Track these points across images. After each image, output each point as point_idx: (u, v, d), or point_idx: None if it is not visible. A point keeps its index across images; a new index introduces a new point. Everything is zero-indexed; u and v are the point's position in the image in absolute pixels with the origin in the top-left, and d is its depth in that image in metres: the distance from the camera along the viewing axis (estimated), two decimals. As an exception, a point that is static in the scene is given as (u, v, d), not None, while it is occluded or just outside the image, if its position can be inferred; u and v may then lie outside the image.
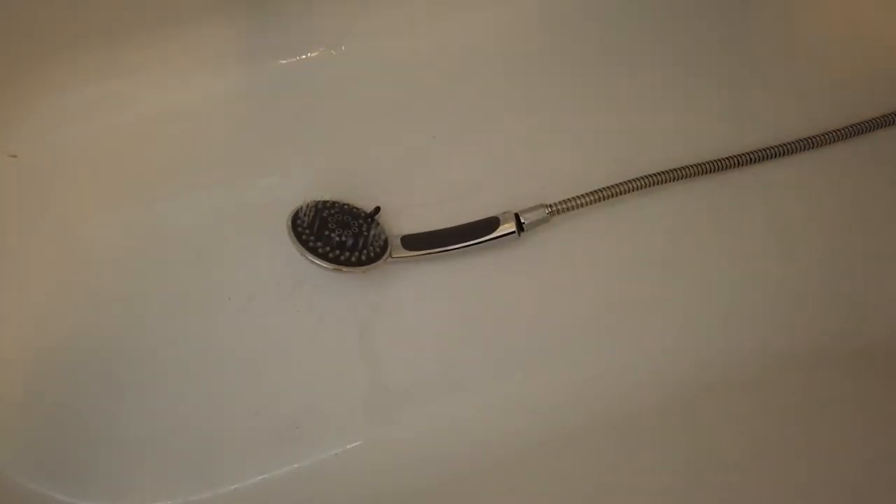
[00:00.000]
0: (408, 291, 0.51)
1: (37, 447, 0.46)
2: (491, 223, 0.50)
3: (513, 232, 0.50)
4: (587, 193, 0.51)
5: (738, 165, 0.54)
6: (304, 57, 0.53)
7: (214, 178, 0.51)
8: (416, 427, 0.49)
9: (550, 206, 0.51)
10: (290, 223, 0.48)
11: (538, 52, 0.57)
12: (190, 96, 0.51)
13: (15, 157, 0.48)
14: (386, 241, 0.49)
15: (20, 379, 0.46)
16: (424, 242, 0.50)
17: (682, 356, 0.52)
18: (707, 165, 0.53)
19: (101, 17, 0.47)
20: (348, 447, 0.48)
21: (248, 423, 0.48)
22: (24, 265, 0.48)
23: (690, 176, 0.53)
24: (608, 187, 0.51)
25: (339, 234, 0.48)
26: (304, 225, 0.48)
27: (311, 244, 0.47)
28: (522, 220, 0.50)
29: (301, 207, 0.48)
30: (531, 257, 0.52)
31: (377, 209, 0.50)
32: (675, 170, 0.53)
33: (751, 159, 0.54)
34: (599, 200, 0.51)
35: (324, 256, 0.47)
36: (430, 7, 0.55)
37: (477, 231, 0.50)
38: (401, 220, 0.51)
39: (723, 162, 0.54)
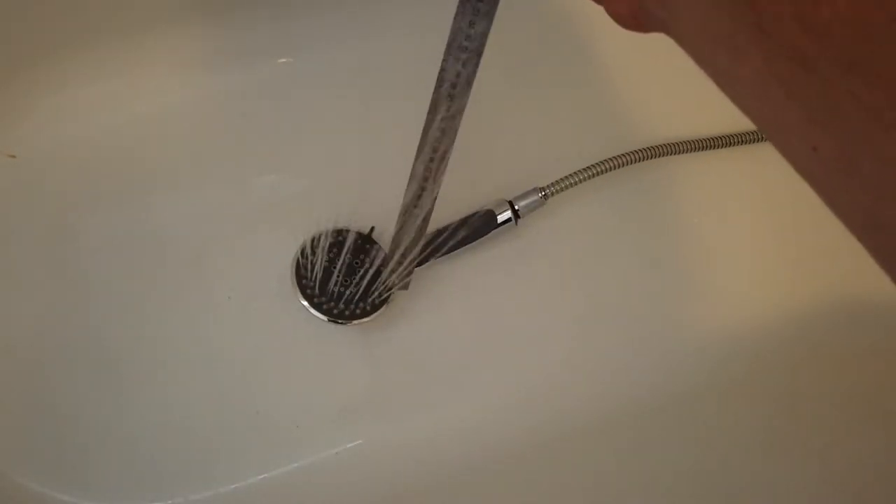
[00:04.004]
0: (408, 293, 0.50)
1: (37, 447, 0.46)
2: (486, 216, 0.50)
3: (509, 220, 0.49)
4: (579, 171, 0.50)
5: (728, 145, 0.55)
6: (302, 56, 0.53)
7: (214, 177, 0.51)
8: (417, 427, 0.49)
9: (543, 188, 0.50)
10: (294, 282, 0.47)
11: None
12: (188, 95, 0.51)
13: (14, 157, 0.48)
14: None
15: (20, 378, 0.46)
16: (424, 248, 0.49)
17: (687, 342, 0.52)
18: (701, 143, 0.54)
19: (99, 16, 0.47)
20: (348, 446, 0.48)
21: (248, 422, 0.47)
22: (23, 265, 0.48)
23: (686, 151, 0.54)
24: (600, 163, 0.51)
25: (346, 286, 0.47)
26: (311, 284, 0.47)
27: (324, 307, 0.47)
28: (517, 208, 0.50)
29: (298, 258, 0.48)
30: (531, 245, 0.52)
31: (372, 229, 0.49)
32: (668, 144, 0.53)
33: (742, 140, 0.55)
34: (592, 177, 0.51)
35: (340, 315, 0.47)
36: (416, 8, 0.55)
37: (473, 227, 0.50)
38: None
39: (715, 140, 0.54)
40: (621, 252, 0.53)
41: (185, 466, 0.46)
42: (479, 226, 0.50)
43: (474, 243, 0.50)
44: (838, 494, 0.46)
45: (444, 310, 0.51)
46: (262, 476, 0.47)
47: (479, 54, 0.34)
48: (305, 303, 0.47)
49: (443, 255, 0.49)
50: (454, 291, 0.51)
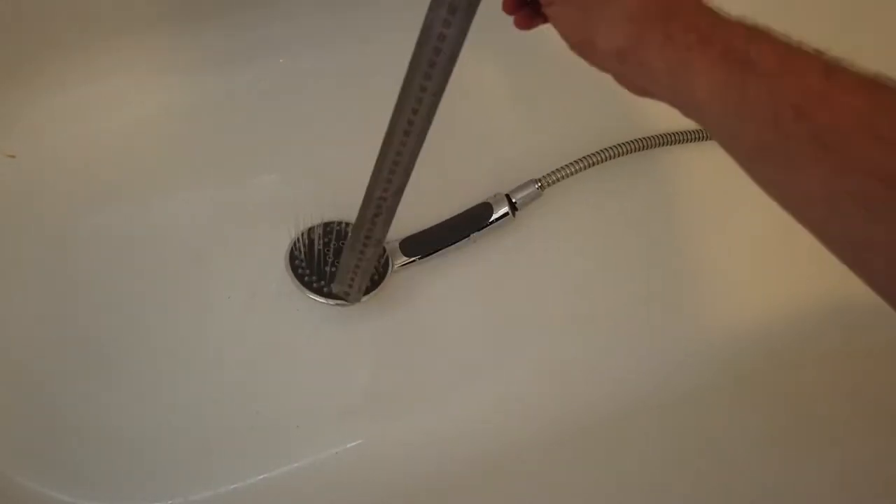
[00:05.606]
0: (408, 290, 0.50)
1: (36, 447, 0.46)
2: (484, 210, 0.50)
3: (507, 214, 0.49)
4: (574, 161, 0.50)
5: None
6: (300, 56, 0.53)
7: (213, 177, 0.51)
8: (416, 426, 0.49)
9: (539, 180, 0.50)
10: (287, 265, 0.47)
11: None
12: (188, 95, 0.51)
13: (13, 157, 0.48)
14: (387, 259, 0.49)
15: (20, 379, 0.46)
16: (422, 243, 0.49)
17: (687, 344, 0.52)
18: (696, 133, 0.53)
19: (98, 17, 0.47)
20: (348, 446, 0.48)
21: (248, 422, 0.47)
22: (23, 265, 0.48)
23: (683, 141, 0.53)
24: (595, 153, 0.51)
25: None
26: (303, 264, 0.47)
27: (314, 285, 0.47)
28: (514, 200, 0.50)
29: (294, 243, 0.48)
30: (530, 237, 0.52)
31: None
32: (664, 134, 0.53)
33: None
34: (587, 167, 0.50)
35: (329, 295, 0.47)
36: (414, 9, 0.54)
37: (471, 221, 0.50)
38: (395, 223, 0.51)
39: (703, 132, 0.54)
40: (617, 245, 0.53)
41: (185, 466, 0.46)
42: (477, 219, 0.49)
43: (474, 237, 0.49)
44: (839, 493, 0.46)
45: (444, 305, 0.50)
46: (262, 476, 0.47)
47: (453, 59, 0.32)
48: (301, 286, 0.47)
49: (443, 249, 0.49)
50: (455, 285, 0.51)
